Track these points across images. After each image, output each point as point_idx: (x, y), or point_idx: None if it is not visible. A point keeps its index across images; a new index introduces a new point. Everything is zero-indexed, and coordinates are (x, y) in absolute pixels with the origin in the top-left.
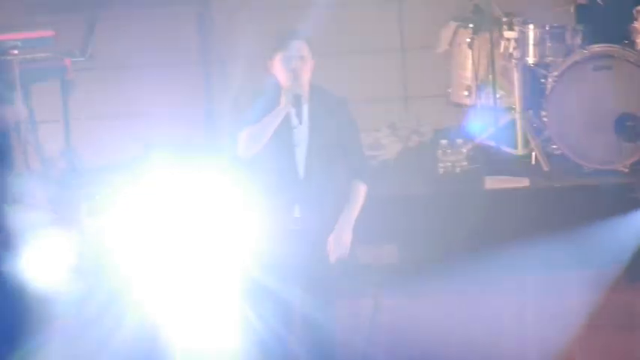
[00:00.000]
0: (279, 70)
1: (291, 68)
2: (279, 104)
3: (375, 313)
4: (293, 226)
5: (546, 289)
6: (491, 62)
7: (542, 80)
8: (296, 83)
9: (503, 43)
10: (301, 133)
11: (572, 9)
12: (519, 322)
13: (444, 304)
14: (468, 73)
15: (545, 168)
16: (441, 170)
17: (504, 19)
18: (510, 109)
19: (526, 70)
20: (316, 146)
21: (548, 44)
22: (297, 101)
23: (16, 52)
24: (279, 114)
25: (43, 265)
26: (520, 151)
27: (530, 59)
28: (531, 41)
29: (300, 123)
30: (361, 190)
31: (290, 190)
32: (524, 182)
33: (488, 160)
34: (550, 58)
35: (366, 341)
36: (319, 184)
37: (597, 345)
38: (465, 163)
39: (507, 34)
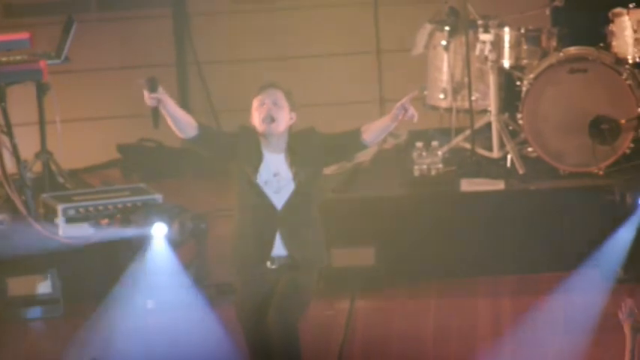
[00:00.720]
0: (255, 115)
1: (264, 113)
2: (260, 149)
3: (350, 316)
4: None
5: (521, 290)
6: (467, 65)
7: (518, 83)
8: (267, 128)
9: (478, 46)
10: (281, 181)
11: (547, 12)
12: (495, 324)
13: (420, 306)
14: (444, 75)
15: (521, 171)
16: (417, 172)
17: (480, 22)
18: (486, 111)
19: (502, 72)
20: (302, 186)
21: (524, 47)
22: (150, 84)
23: None
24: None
25: None
26: (496, 153)
27: (506, 62)
28: (507, 44)
29: (275, 176)
30: None
31: (269, 222)
32: (499, 185)
33: (463, 162)
34: (526, 61)
35: (342, 343)
36: (298, 216)
37: (570, 346)
38: (440, 166)
39: (483, 36)
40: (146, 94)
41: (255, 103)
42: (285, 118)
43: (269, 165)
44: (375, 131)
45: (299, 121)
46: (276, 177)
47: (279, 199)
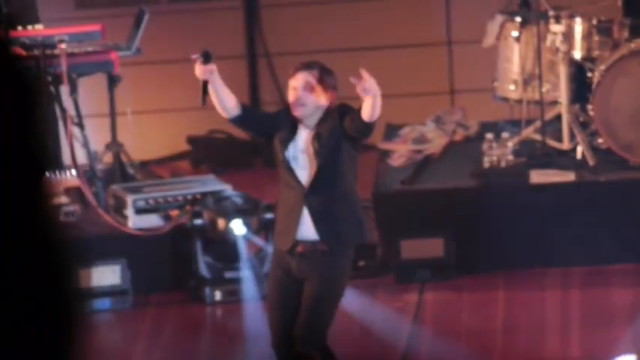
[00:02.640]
0: (289, 96)
1: (293, 96)
2: (295, 126)
3: (419, 308)
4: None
5: (591, 282)
6: (538, 56)
7: (589, 74)
8: (296, 110)
9: (549, 37)
10: (308, 157)
11: (619, 2)
12: (565, 316)
13: (489, 298)
14: (515, 66)
15: (591, 162)
16: (487, 164)
17: (551, 13)
18: (556, 103)
19: (572, 63)
20: (325, 165)
21: (595, 38)
22: (205, 56)
23: (63, 46)
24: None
25: None
26: (566, 145)
27: (577, 53)
28: (578, 35)
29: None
30: None
31: (297, 199)
32: (569, 176)
33: (533, 154)
34: (597, 52)
35: (409, 335)
36: (326, 193)
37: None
38: (510, 157)
39: (554, 27)
40: (200, 66)
41: (290, 85)
42: (314, 100)
43: (299, 141)
44: (366, 109)
45: None
46: (303, 153)
47: (304, 176)
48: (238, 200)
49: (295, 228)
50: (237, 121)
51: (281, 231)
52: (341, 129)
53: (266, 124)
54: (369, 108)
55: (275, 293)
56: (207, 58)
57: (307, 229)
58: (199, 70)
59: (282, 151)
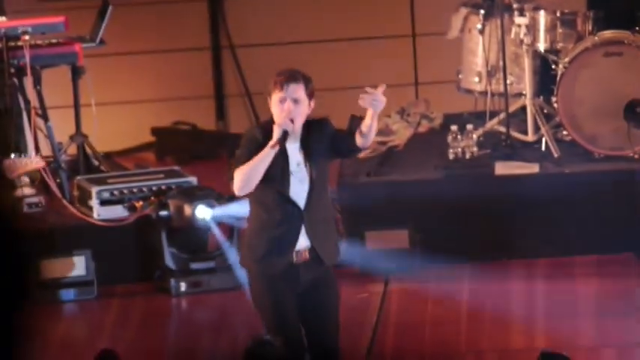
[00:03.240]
0: (274, 108)
1: (284, 109)
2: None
3: (384, 299)
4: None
5: (555, 273)
6: (502, 48)
7: (553, 66)
8: (288, 125)
9: (514, 29)
10: (302, 172)
11: None
12: (528, 306)
13: (454, 289)
14: (479, 59)
15: (556, 154)
16: (451, 156)
17: (515, 5)
18: (520, 95)
19: (537, 56)
20: (317, 180)
21: (559, 30)
22: (283, 138)
23: (27, 37)
24: (268, 152)
25: None
26: (530, 137)
27: (541, 45)
28: (542, 27)
29: (299, 165)
30: None
31: (293, 221)
32: (534, 168)
33: (498, 146)
34: (561, 44)
35: (375, 325)
36: (318, 213)
37: (607, 331)
38: (475, 149)
39: (518, 20)
40: (277, 144)
41: (275, 98)
42: (304, 113)
43: (292, 156)
44: (361, 136)
45: (335, 103)
46: (299, 166)
47: (302, 191)
48: (202, 190)
49: (293, 248)
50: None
51: (277, 246)
52: (327, 148)
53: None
54: (367, 128)
55: (281, 309)
56: (284, 139)
57: (303, 241)
58: (276, 145)
59: (283, 172)
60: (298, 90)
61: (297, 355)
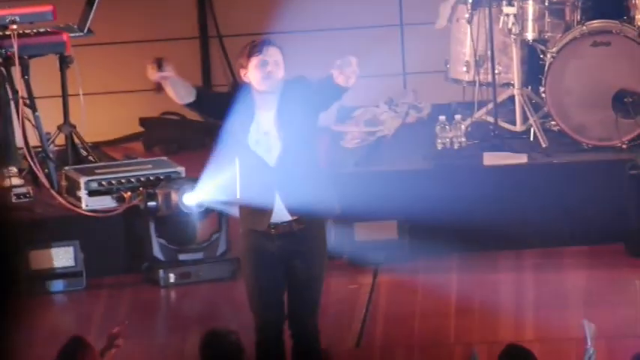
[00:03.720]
0: (254, 73)
1: (266, 71)
2: (252, 108)
3: (372, 290)
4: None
5: (544, 264)
6: (490, 38)
7: (541, 56)
8: (271, 86)
9: (502, 19)
10: (271, 139)
11: None
12: (517, 298)
13: (443, 280)
14: (467, 49)
15: (544, 144)
16: (440, 146)
17: None
18: (509, 85)
19: (525, 45)
20: (290, 142)
21: (548, 20)
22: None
23: (14, 26)
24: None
25: None
26: (518, 127)
27: (529, 35)
28: (530, 17)
29: (266, 134)
30: None
31: (265, 182)
32: (522, 158)
33: (486, 136)
34: (549, 34)
35: (364, 317)
36: (294, 172)
37: (596, 322)
38: (463, 139)
39: (506, 9)
40: (155, 72)
41: (255, 61)
42: (282, 75)
43: (260, 124)
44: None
45: None
46: (267, 135)
47: (271, 158)
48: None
49: (270, 209)
50: (192, 105)
51: (253, 212)
52: (307, 101)
53: (221, 105)
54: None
55: (261, 278)
56: (160, 65)
57: (280, 210)
58: (154, 76)
59: (244, 135)
60: (277, 53)
61: (272, 330)
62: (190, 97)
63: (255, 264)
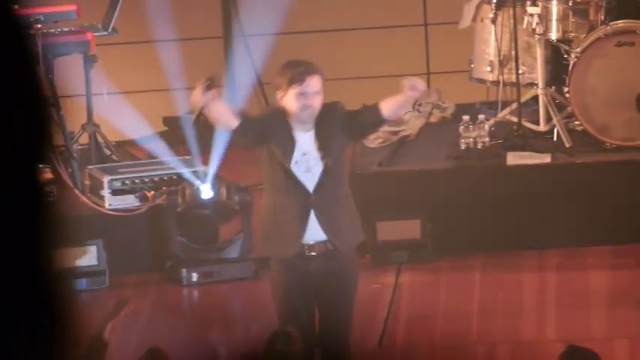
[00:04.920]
0: (292, 102)
1: (307, 105)
2: (286, 129)
3: (395, 290)
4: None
5: (567, 264)
6: (514, 38)
7: (565, 56)
8: (309, 117)
9: (526, 19)
10: (309, 161)
11: None
12: (540, 298)
13: (466, 280)
14: (491, 48)
15: (567, 144)
16: (463, 146)
17: None
18: (532, 85)
19: (549, 45)
20: (330, 163)
21: (572, 20)
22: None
23: (38, 25)
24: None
25: None
26: (542, 127)
27: (554, 35)
28: (554, 17)
29: (305, 155)
30: None
31: (302, 204)
32: (546, 158)
33: (510, 136)
34: (573, 34)
35: (386, 317)
36: (331, 196)
37: (619, 322)
38: (486, 139)
39: (531, 9)
40: (202, 93)
41: (294, 90)
42: (321, 103)
43: (300, 146)
44: (393, 106)
45: (346, 93)
46: (306, 156)
47: (309, 179)
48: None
49: (301, 234)
50: (235, 132)
51: (281, 239)
52: (343, 129)
53: (261, 131)
54: (400, 105)
55: (293, 298)
56: (211, 86)
57: (315, 232)
58: (200, 97)
59: (285, 158)
60: (318, 81)
61: (304, 348)
62: (234, 122)
63: (288, 285)
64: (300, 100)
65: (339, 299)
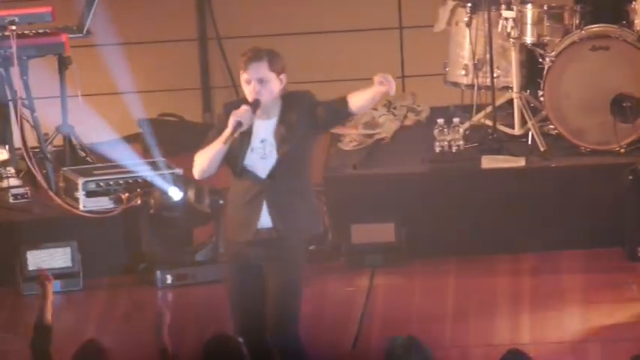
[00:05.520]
0: (244, 87)
1: (251, 90)
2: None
3: (369, 293)
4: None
5: (541, 268)
6: (489, 41)
7: (540, 60)
8: (255, 104)
9: (501, 23)
10: (266, 148)
11: None
12: (514, 301)
13: (440, 284)
14: (466, 52)
15: (542, 148)
16: (438, 149)
17: None
18: (507, 88)
19: (524, 49)
20: (286, 153)
21: (547, 24)
22: (236, 128)
23: (13, 27)
24: (221, 146)
25: None
26: (517, 130)
27: (528, 39)
28: (529, 21)
29: (262, 142)
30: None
31: (255, 190)
32: (520, 162)
33: (484, 139)
34: (548, 38)
35: (360, 319)
36: (284, 184)
37: (593, 325)
38: (461, 143)
39: (506, 13)
40: (247, 113)
41: (242, 77)
42: (271, 90)
43: (257, 132)
44: (361, 101)
45: (320, 95)
46: (263, 143)
47: (264, 166)
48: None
49: (256, 219)
50: None
51: (240, 222)
52: (309, 118)
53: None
54: (368, 100)
55: (240, 285)
56: (256, 108)
57: (264, 218)
58: (245, 115)
59: (242, 145)
60: (262, 69)
61: (252, 339)
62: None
63: (236, 271)
64: (247, 89)
65: (280, 288)
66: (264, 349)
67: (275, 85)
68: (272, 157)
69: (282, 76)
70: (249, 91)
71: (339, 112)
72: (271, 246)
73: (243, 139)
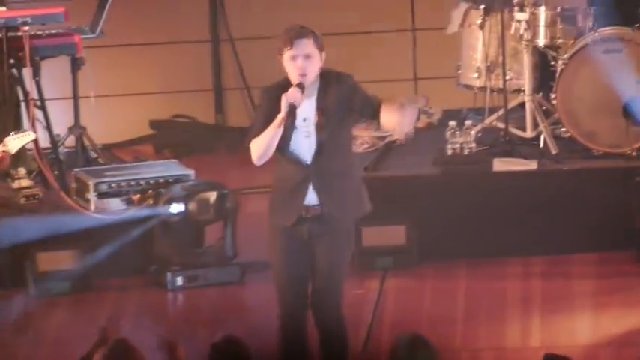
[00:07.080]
0: (287, 67)
1: (297, 66)
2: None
3: (380, 296)
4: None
5: (552, 271)
6: (502, 44)
7: (552, 63)
8: (303, 80)
9: (514, 25)
10: (309, 127)
11: None
12: (524, 304)
13: (450, 286)
14: (478, 54)
15: (554, 151)
16: (450, 152)
17: (515, 1)
18: (519, 91)
19: (536, 52)
20: (328, 131)
21: (559, 26)
22: (291, 111)
23: (26, 28)
24: (276, 130)
25: None
26: (529, 133)
27: (541, 41)
28: (542, 23)
29: (305, 120)
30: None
31: (301, 170)
32: (532, 165)
33: (496, 142)
34: (561, 41)
35: (371, 322)
36: (330, 167)
37: (603, 329)
38: (473, 145)
39: (518, 15)
40: (297, 93)
41: (286, 55)
42: (317, 67)
43: (300, 111)
44: (386, 121)
45: None
46: (306, 122)
47: (310, 145)
48: (200, 185)
49: (302, 199)
50: None
51: (286, 209)
52: (346, 102)
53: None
54: (389, 125)
55: (288, 263)
56: (293, 113)
57: (313, 196)
58: (297, 96)
59: (286, 125)
60: (308, 45)
61: (295, 317)
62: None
63: (283, 249)
64: (293, 64)
65: (328, 266)
66: (303, 328)
67: (318, 61)
68: (314, 136)
69: (323, 54)
70: (293, 68)
71: (370, 113)
72: (321, 222)
73: (287, 119)
